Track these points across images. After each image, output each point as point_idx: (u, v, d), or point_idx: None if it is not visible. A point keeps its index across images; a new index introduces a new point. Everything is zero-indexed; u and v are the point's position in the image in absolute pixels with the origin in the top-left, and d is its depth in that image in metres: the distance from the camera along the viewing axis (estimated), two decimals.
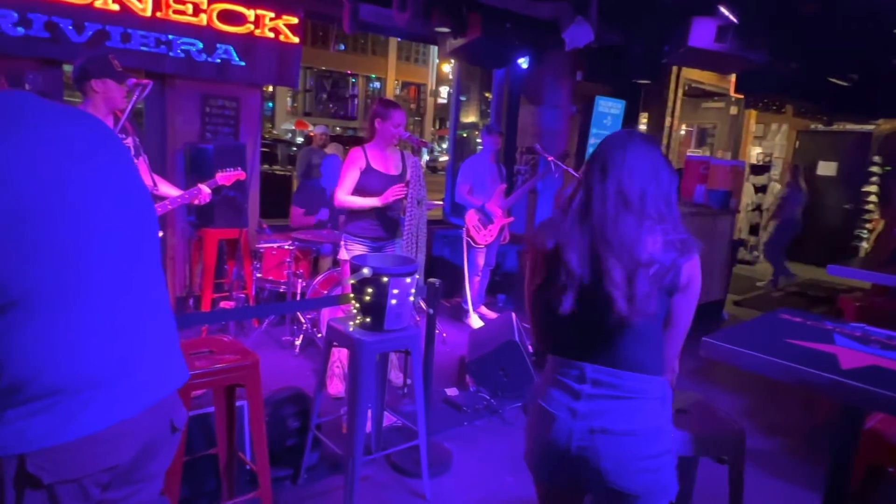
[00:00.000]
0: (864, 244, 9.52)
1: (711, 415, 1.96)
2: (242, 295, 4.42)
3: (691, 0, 3.80)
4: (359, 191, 3.33)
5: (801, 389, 2.44)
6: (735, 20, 3.88)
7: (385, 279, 2.42)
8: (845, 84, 6.85)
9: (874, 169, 9.33)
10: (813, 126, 10.09)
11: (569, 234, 1.42)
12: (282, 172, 11.17)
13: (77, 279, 1.03)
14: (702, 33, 4.02)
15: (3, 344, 0.96)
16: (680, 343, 1.48)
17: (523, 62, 5.26)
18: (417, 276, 2.61)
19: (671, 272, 1.36)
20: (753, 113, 9.62)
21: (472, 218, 4.96)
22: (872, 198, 9.40)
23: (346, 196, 3.34)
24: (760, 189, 9.76)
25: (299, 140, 20.20)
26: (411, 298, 2.56)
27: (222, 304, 4.29)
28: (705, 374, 4.39)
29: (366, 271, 2.43)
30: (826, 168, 9.75)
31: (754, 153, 10.29)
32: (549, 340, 1.52)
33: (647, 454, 1.38)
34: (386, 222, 3.41)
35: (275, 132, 23.91)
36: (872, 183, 9.36)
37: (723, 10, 3.84)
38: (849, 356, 1.62)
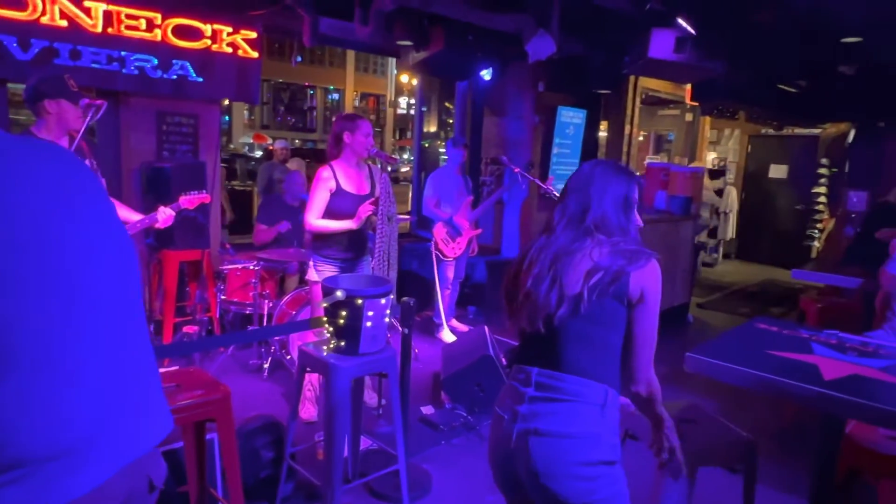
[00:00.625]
0: (816, 243, 9.87)
1: (718, 424, 1.96)
2: (206, 318, 4.26)
3: (650, 12, 3.87)
4: (329, 213, 3.24)
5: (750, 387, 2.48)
6: (693, 31, 3.97)
7: (359, 301, 2.36)
8: (794, 90, 7.11)
9: (822, 171, 9.70)
10: (764, 131, 10.44)
11: (531, 249, 1.56)
12: (241, 188, 10.93)
13: (57, 336, 0.93)
14: (661, 44, 4.10)
15: None
16: (646, 356, 1.48)
17: (486, 74, 5.27)
18: (392, 297, 2.55)
19: (618, 280, 1.41)
20: (708, 119, 9.90)
21: (440, 231, 4.92)
22: (822, 199, 9.77)
23: (317, 221, 3.25)
24: (717, 193, 10.02)
25: (258, 154, 19.86)
26: (386, 319, 2.49)
27: (185, 329, 4.13)
28: (673, 378, 4.42)
29: (339, 294, 2.35)
30: (777, 171, 10.10)
31: (709, 158, 10.58)
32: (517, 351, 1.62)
33: (580, 460, 1.38)
34: (356, 241, 3.34)
35: (232, 146, 23.44)
36: (821, 184, 9.73)
37: (681, 21, 3.92)
38: (829, 366, 1.64)
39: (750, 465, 1.93)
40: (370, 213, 3.23)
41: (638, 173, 7.89)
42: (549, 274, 1.49)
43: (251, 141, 24.83)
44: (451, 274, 5.01)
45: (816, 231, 9.84)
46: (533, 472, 1.41)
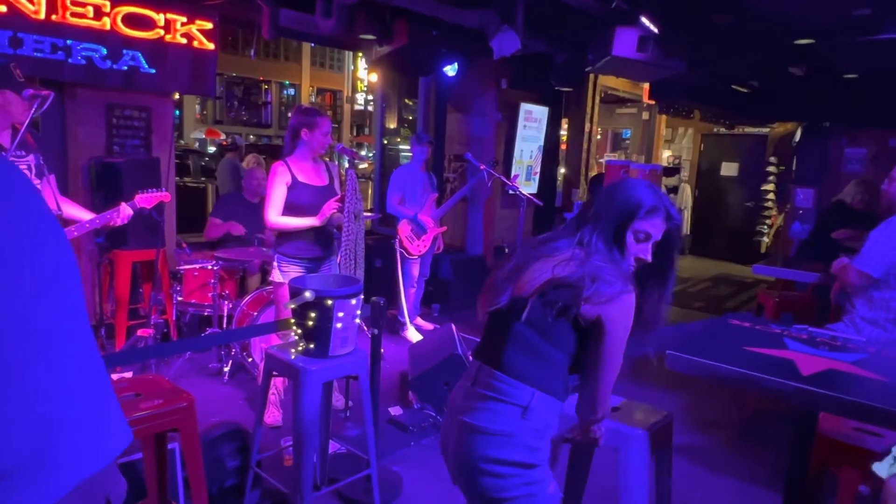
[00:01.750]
0: (765, 239, 10.23)
1: (643, 407, 1.96)
2: (161, 321, 4.08)
3: (614, 10, 3.89)
4: (290, 207, 3.13)
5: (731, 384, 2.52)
6: (656, 30, 4.01)
7: (329, 302, 2.27)
8: (746, 90, 7.33)
9: (771, 169, 10.05)
10: (716, 129, 10.75)
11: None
12: (194, 185, 10.58)
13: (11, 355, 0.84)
14: (625, 42, 4.14)
15: None
16: (606, 387, 1.45)
17: (451, 70, 5.22)
18: (361, 296, 2.48)
19: (572, 301, 1.38)
20: (664, 118, 10.13)
21: (404, 228, 4.85)
22: (770, 196, 10.12)
23: (278, 218, 3.12)
24: (672, 190, 10.27)
25: (211, 150, 19.29)
26: (357, 321, 2.42)
27: (140, 332, 3.94)
28: (635, 374, 4.49)
29: (308, 295, 2.27)
30: (728, 168, 10.41)
31: (664, 156, 10.83)
32: None
33: (492, 456, 1.40)
34: (322, 240, 3.24)
35: (183, 142, 22.69)
36: (770, 182, 10.08)
37: (644, 20, 3.96)
38: (805, 361, 1.66)
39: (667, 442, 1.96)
40: (334, 209, 3.14)
41: (598, 172, 7.99)
42: (513, 270, 1.51)
43: (203, 136, 24.13)
44: (416, 272, 4.96)
45: (766, 227, 10.20)
46: (453, 462, 1.49)
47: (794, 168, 9.65)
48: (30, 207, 0.95)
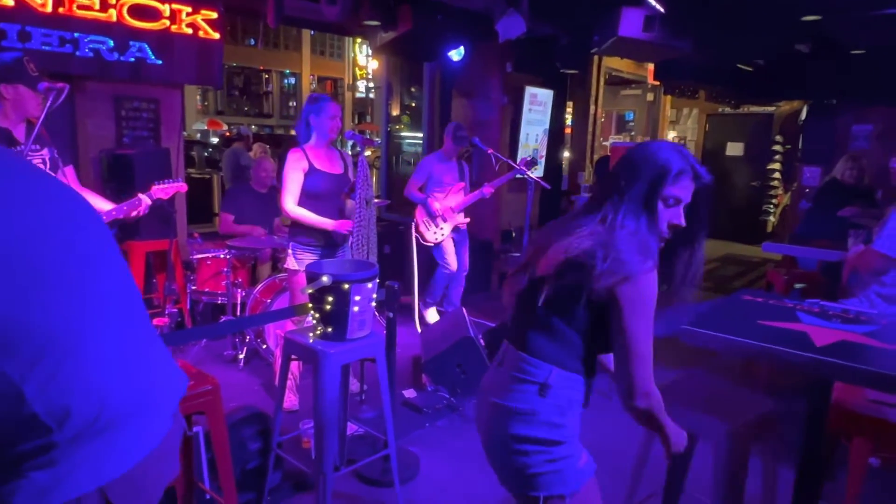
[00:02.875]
0: (772, 218, 10.22)
1: (736, 395, 1.95)
2: (176, 310, 4.12)
3: None
4: (306, 194, 3.17)
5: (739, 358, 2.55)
6: (662, 10, 4.00)
7: (346, 286, 2.31)
8: (751, 69, 7.29)
9: (776, 148, 10.00)
10: (721, 109, 10.69)
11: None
12: (199, 175, 10.60)
13: (88, 320, 1.02)
14: (630, 23, 4.12)
15: (62, 385, 0.94)
16: (640, 368, 1.34)
17: (456, 55, 5.20)
18: (377, 280, 2.52)
19: (580, 276, 1.34)
20: (669, 98, 10.07)
21: (421, 214, 4.78)
22: (776, 175, 10.09)
23: (294, 207, 3.16)
24: None
25: (214, 140, 19.27)
26: (373, 304, 2.46)
27: (155, 322, 3.99)
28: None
29: (325, 279, 2.30)
30: (734, 148, 10.37)
31: (670, 137, 10.79)
32: None
33: (514, 433, 1.42)
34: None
35: (185, 133, 22.67)
36: (776, 161, 10.04)
37: (650, 0, 3.95)
38: (819, 333, 1.69)
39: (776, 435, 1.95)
40: (347, 230, 3.18)
41: (603, 155, 7.98)
42: (534, 252, 1.51)
43: (206, 127, 24.09)
44: (451, 260, 4.84)
45: (772, 206, 10.18)
46: (484, 441, 1.52)
47: (800, 146, 9.61)
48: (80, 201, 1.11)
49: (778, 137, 10.00)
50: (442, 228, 4.80)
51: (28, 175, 1.03)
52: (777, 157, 10.03)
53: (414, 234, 4.81)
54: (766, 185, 10.10)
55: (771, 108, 10.18)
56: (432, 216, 4.76)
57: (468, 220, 4.94)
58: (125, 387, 1.03)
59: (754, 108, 10.48)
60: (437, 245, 4.82)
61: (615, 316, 1.34)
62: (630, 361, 1.34)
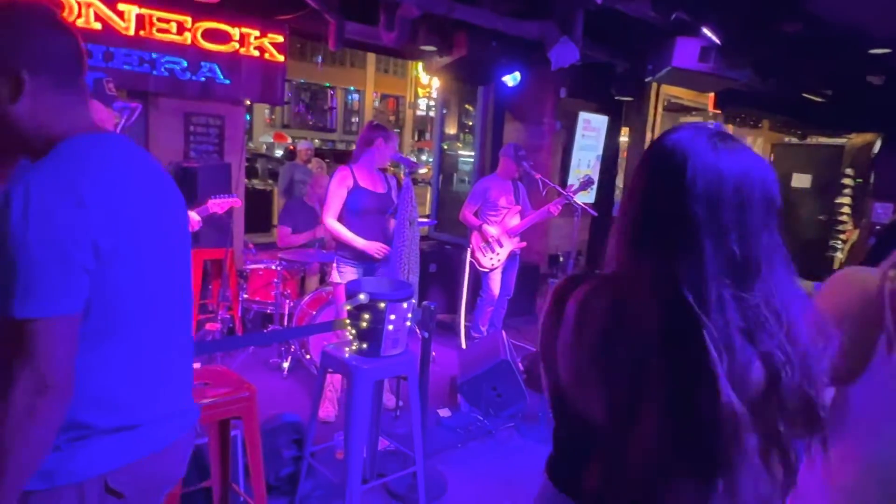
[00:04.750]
0: (839, 254, 9.74)
1: None
2: (228, 316, 4.33)
3: (675, 21, 3.86)
4: (349, 210, 3.31)
5: None
6: (718, 41, 3.95)
7: (382, 305, 2.39)
8: (819, 100, 7.04)
9: (846, 181, 9.56)
10: (787, 139, 10.33)
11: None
12: (262, 187, 11.05)
13: (148, 313, 1.14)
14: (685, 53, 4.09)
15: (92, 368, 1.05)
16: None
17: (510, 80, 5.27)
18: (414, 301, 2.59)
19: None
20: (731, 127, 9.82)
21: (476, 239, 4.65)
22: (846, 209, 9.63)
23: (333, 222, 3.32)
24: None
25: (278, 153, 20.01)
26: (408, 323, 2.53)
27: (208, 326, 4.20)
28: None
29: (362, 297, 2.39)
30: (800, 180, 9.96)
31: None
32: None
33: None
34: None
35: (252, 145, 23.66)
36: (845, 195, 9.59)
37: (706, 31, 3.91)
38: None
39: None
40: (382, 253, 3.30)
41: None
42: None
43: (271, 140, 25.05)
44: (495, 288, 4.69)
45: (840, 242, 9.71)
46: None
47: (871, 181, 9.16)
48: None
49: (848, 170, 9.56)
50: (498, 254, 4.64)
51: (154, 166, 1.22)
52: (847, 190, 9.58)
53: (469, 259, 4.68)
54: (834, 220, 9.65)
55: (842, 140, 9.76)
56: (488, 241, 4.72)
57: (524, 244, 4.78)
58: (148, 391, 1.14)
59: (823, 139, 10.08)
60: (490, 270, 4.69)
61: None
62: None
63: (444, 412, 3.77)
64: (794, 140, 10.29)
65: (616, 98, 5.97)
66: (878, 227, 7.51)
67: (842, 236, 9.68)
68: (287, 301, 4.33)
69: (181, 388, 1.25)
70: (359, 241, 3.30)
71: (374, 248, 3.31)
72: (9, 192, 0.94)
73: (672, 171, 0.87)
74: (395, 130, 30.92)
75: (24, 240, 0.92)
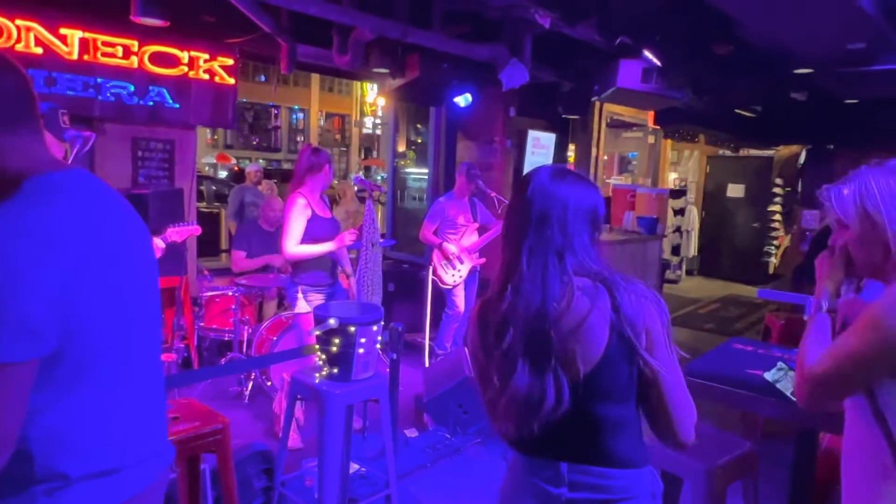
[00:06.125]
0: (773, 259, 10.30)
1: (720, 435, 2.03)
2: (182, 346, 4.21)
3: (619, 44, 4.06)
4: (309, 238, 3.30)
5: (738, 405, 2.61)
6: (659, 63, 4.18)
7: (352, 329, 2.40)
8: (750, 115, 7.50)
9: (776, 190, 10.16)
10: (721, 152, 10.89)
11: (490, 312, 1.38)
12: (207, 210, 10.78)
13: (133, 352, 1.12)
14: (629, 74, 4.31)
15: (68, 413, 1.02)
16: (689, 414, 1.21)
17: (462, 101, 5.37)
18: (382, 323, 2.60)
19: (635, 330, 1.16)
20: (669, 141, 10.29)
21: (438, 257, 4.72)
22: (777, 217, 10.22)
23: (299, 247, 3.29)
24: (679, 212, 10.39)
25: (222, 174, 19.56)
26: (378, 346, 2.54)
27: (162, 357, 4.07)
28: None
29: (332, 322, 2.40)
30: (734, 190, 10.52)
31: (671, 178, 10.96)
32: None
33: None
34: (331, 268, 3.42)
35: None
36: (776, 203, 10.18)
37: (648, 54, 4.13)
38: None
39: (754, 474, 1.99)
40: (352, 241, 3.31)
41: (608, 194, 8.13)
42: (535, 351, 1.17)
43: (214, 161, 24.46)
44: (460, 304, 4.78)
45: (773, 247, 10.27)
46: None
47: (799, 189, 9.76)
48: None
49: (778, 180, 10.17)
50: (460, 270, 4.72)
51: (119, 198, 1.19)
52: (777, 199, 10.17)
53: (431, 277, 4.74)
54: (766, 227, 10.21)
55: (770, 152, 10.37)
56: (449, 259, 4.78)
57: (483, 259, 4.87)
58: (134, 437, 1.12)
59: (754, 152, 10.68)
60: (452, 287, 4.78)
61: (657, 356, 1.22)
62: (678, 410, 1.23)
63: (412, 432, 3.77)
64: (728, 153, 10.86)
65: (563, 116, 6.17)
66: (808, 233, 8.00)
67: (775, 242, 10.25)
68: (246, 327, 4.25)
69: (157, 427, 1.22)
70: (329, 245, 3.30)
71: (345, 238, 3.31)
72: None
73: (521, 189, 1.25)
74: (342, 149, 30.82)
75: None
